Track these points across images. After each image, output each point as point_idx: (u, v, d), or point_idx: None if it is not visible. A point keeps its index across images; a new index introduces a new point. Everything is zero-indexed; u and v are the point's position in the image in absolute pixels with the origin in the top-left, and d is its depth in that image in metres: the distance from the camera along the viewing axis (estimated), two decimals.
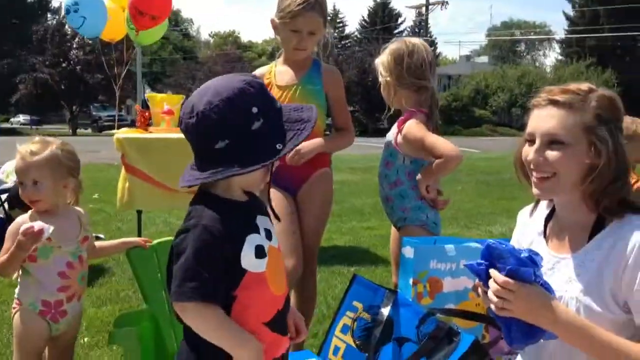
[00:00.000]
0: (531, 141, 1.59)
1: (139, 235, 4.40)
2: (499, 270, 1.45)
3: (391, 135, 2.64)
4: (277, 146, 1.34)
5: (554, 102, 1.58)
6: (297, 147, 2.55)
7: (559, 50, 53.85)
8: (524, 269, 1.43)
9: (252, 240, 1.39)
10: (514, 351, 2.30)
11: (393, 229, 2.73)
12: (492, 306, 1.47)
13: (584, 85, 1.61)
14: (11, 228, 2.13)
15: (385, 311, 2.00)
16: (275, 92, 2.60)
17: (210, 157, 1.36)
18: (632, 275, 1.45)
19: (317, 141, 2.61)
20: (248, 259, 1.38)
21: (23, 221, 2.16)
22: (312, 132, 2.63)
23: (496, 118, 40.37)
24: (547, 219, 1.72)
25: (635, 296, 1.45)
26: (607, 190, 1.52)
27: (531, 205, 1.80)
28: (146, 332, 2.28)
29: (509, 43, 67.63)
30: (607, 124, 1.55)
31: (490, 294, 1.46)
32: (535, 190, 1.60)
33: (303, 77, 2.67)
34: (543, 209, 1.75)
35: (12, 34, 38.53)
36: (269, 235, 1.46)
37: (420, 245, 2.19)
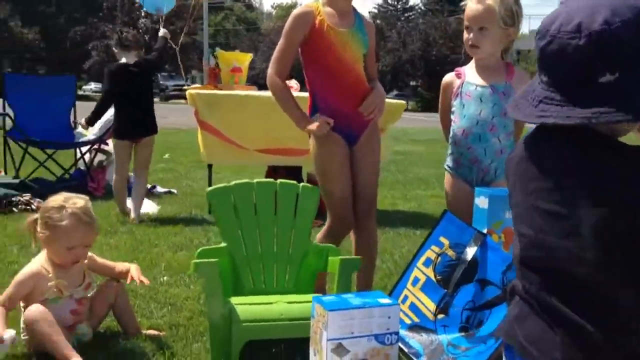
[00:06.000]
0: None
1: None
2: None
3: (501, 86, 2.48)
4: None
5: None
6: (378, 104, 2.65)
7: None
8: None
9: None
10: None
11: (463, 191, 2.50)
12: None
13: None
14: (22, 276, 2.27)
15: (471, 251, 1.99)
16: (330, 34, 2.60)
17: (584, 92, 1.06)
18: None
19: (382, 93, 2.72)
20: None
21: (34, 272, 2.29)
22: (363, 82, 2.71)
23: None
24: None
25: None
26: None
27: None
28: (225, 267, 2.38)
29: None
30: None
31: None
32: None
33: (354, 24, 2.67)
34: None
35: (83, 1, 39.67)
36: None
37: (495, 194, 2.15)
